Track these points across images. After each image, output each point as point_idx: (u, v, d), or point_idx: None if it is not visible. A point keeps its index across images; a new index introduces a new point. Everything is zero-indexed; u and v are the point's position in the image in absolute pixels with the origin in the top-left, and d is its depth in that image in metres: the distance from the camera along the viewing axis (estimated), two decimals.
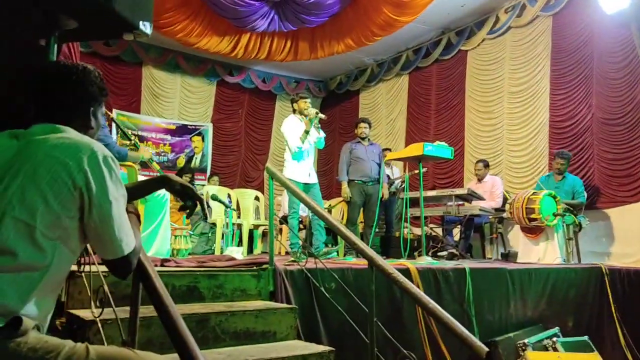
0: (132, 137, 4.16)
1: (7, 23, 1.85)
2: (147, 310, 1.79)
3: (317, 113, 5.26)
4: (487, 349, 1.90)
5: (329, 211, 7.61)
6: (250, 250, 6.59)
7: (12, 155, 1.33)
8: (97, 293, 2.11)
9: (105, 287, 2.03)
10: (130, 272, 1.47)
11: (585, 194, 5.74)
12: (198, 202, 1.73)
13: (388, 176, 7.33)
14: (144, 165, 4.18)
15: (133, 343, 1.72)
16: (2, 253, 1.22)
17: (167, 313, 1.53)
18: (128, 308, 1.82)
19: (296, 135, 5.05)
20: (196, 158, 9.40)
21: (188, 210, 1.76)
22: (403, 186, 7.73)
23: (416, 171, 5.81)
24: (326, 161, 9.96)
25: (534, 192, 5.28)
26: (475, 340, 1.95)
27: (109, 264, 1.41)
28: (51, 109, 1.43)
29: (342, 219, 7.22)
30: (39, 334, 1.25)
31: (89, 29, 2.01)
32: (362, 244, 2.63)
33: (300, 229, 6.27)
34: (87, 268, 2.03)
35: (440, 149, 4.78)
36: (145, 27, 1.97)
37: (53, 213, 1.27)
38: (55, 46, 1.92)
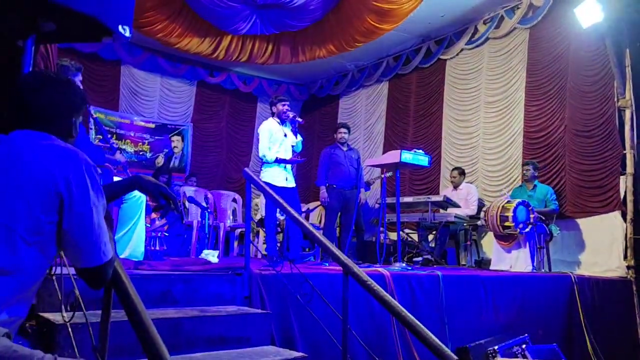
0: (111, 140, 4.14)
1: None
2: (118, 315, 1.78)
3: (294, 116, 5.28)
4: (456, 358, 1.94)
5: (306, 216, 7.63)
6: (226, 252, 6.57)
7: None
8: (68, 297, 2.10)
9: (77, 291, 2.01)
10: (106, 282, 1.47)
11: (557, 202, 5.87)
12: (172, 201, 1.74)
13: (367, 182, 7.39)
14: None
15: (103, 350, 1.71)
16: None
17: (138, 319, 1.53)
18: (99, 312, 1.81)
19: (265, 146, 5.06)
20: (175, 158, 9.31)
21: (163, 210, 1.77)
22: (376, 181, 7.81)
23: (389, 173, 5.88)
24: (304, 164, 9.98)
25: (508, 201, 5.38)
26: (445, 349, 1.99)
27: (84, 273, 1.41)
28: (35, 117, 1.43)
29: (320, 223, 7.25)
30: (8, 342, 1.24)
31: (67, 32, 2.00)
32: (336, 250, 2.65)
33: (277, 232, 6.26)
34: (58, 270, 2.01)
35: (417, 157, 4.84)
36: (125, 30, 1.97)
37: (34, 218, 1.27)
38: (32, 48, 1.91)
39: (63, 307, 2.04)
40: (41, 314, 2.25)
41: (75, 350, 1.87)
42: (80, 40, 2.10)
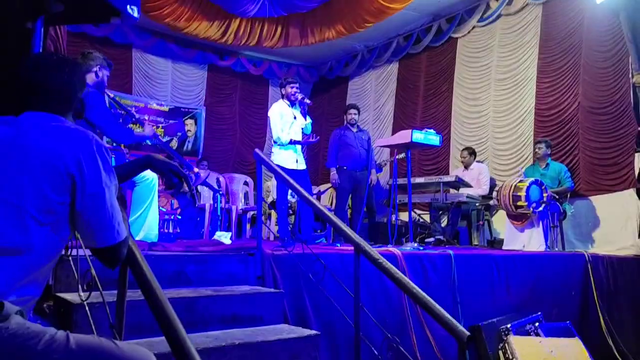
0: (136, 115, 4.16)
1: None
2: (136, 294, 1.81)
3: (303, 98, 5.26)
4: (468, 334, 1.95)
5: (318, 197, 7.65)
6: (239, 235, 6.61)
7: (5, 141, 1.33)
8: (84, 277, 2.13)
9: (93, 271, 2.04)
10: (121, 261, 1.49)
11: (571, 180, 5.81)
12: (184, 180, 1.75)
13: (379, 165, 7.37)
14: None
15: (120, 327, 1.74)
16: None
17: (155, 297, 1.55)
18: (115, 292, 1.84)
19: (279, 127, 5.04)
20: (189, 141, 9.35)
21: (174, 189, 1.78)
22: (387, 163, 7.79)
23: (401, 155, 5.84)
24: (314, 146, 9.96)
25: (520, 180, 5.34)
26: (457, 325, 2.00)
27: (99, 253, 1.43)
28: (44, 97, 1.43)
29: (332, 205, 7.25)
30: (22, 320, 1.25)
31: (76, 13, 2.00)
32: (348, 230, 2.66)
33: (289, 214, 6.29)
34: (74, 252, 2.04)
35: (428, 136, 4.80)
36: (133, 10, 1.97)
37: (46, 199, 1.28)
38: (42, 29, 1.91)
39: (80, 287, 2.08)
40: (58, 294, 2.29)
41: (93, 328, 1.90)
42: (89, 21, 2.11)
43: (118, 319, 1.75)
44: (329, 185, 6.69)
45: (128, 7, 1.90)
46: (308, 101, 5.21)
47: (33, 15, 1.90)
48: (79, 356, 1.26)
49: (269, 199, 7.56)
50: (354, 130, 6.06)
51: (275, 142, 5.13)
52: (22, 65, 1.51)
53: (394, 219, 6.04)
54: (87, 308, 1.99)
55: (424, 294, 2.17)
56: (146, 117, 8.86)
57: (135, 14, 1.93)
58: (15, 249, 1.25)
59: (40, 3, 1.84)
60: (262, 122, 10.00)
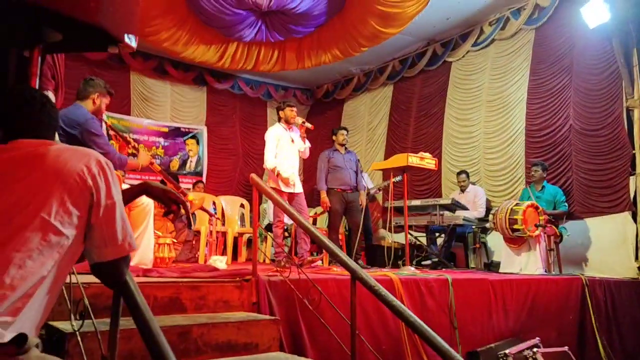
0: (132, 142, 4.17)
1: None
2: (128, 322, 1.78)
3: (303, 122, 5.29)
4: None
5: (314, 220, 7.62)
6: (234, 257, 6.57)
7: (11, 163, 1.34)
8: (77, 305, 2.10)
9: (86, 300, 2.02)
10: (122, 279, 1.49)
11: (567, 204, 5.84)
12: (182, 206, 1.75)
13: (372, 192, 7.38)
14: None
15: (112, 358, 1.71)
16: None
17: (148, 330, 1.53)
18: (108, 320, 1.82)
19: (272, 153, 5.06)
20: (190, 161, 9.34)
21: (172, 215, 1.78)
22: (377, 193, 7.80)
23: (395, 179, 5.85)
24: (309, 169, 9.98)
25: (516, 203, 5.35)
26: (456, 355, 1.97)
27: (102, 268, 1.43)
28: (37, 126, 1.47)
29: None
30: (39, 353, 1.24)
31: (74, 42, 2.01)
32: (344, 256, 2.64)
33: (284, 237, 6.26)
34: (67, 279, 2.02)
35: (424, 160, 4.83)
36: (131, 40, 1.98)
37: (66, 211, 1.29)
38: (39, 58, 1.92)
39: (72, 315, 2.05)
40: (50, 322, 2.26)
41: (85, 358, 1.88)
42: (86, 50, 2.12)
43: (111, 350, 1.72)
44: None
45: (126, 36, 1.92)
46: (309, 125, 5.22)
47: (31, 44, 1.91)
48: None
49: (265, 222, 7.53)
50: (342, 151, 6.07)
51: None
52: (2, 98, 1.54)
53: (390, 241, 6.03)
54: (79, 338, 1.97)
55: (420, 322, 2.15)
56: (146, 138, 8.87)
57: (133, 44, 1.95)
58: (33, 270, 1.24)
59: (38, 33, 1.86)
60: (262, 142, 10.00)
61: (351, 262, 2.54)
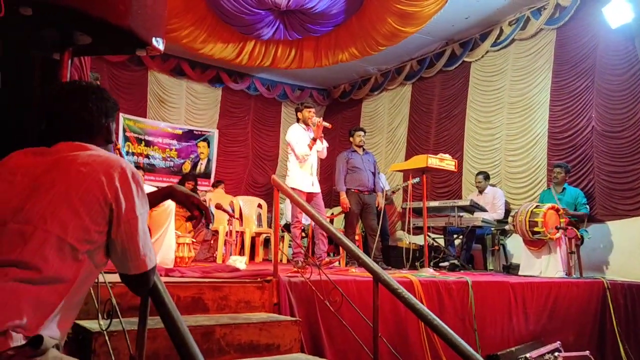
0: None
1: (23, 39, 1.88)
2: (152, 322, 1.80)
3: (320, 121, 5.28)
4: None
5: (331, 220, 7.62)
6: (252, 257, 6.60)
7: (40, 171, 1.34)
8: (104, 304, 2.13)
9: (113, 300, 2.04)
10: (149, 287, 1.49)
11: (588, 206, 5.76)
12: (204, 212, 1.75)
13: (390, 191, 7.36)
14: None
15: (141, 358, 1.73)
16: (27, 266, 1.22)
17: (176, 329, 1.55)
18: (134, 319, 1.84)
19: (303, 143, 5.06)
20: (201, 163, 9.42)
21: (195, 220, 1.78)
22: (393, 196, 7.78)
23: (415, 180, 5.81)
24: (327, 170, 9.98)
25: (537, 205, 5.29)
26: (479, 358, 1.96)
27: (129, 279, 1.44)
28: (69, 127, 1.45)
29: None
30: (58, 354, 1.26)
31: (103, 44, 2.03)
32: (366, 258, 2.64)
33: (302, 237, 6.27)
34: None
35: (444, 162, 4.80)
36: (158, 43, 2.00)
37: (84, 228, 1.29)
38: (69, 61, 1.95)
39: (100, 315, 2.08)
40: (77, 321, 2.29)
41: (112, 357, 1.90)
42: (114, 52, 2.14)
43: (139, 349, 1.74)
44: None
45: (154, 39, 1.93)
46: (328, 124, 5.22)
47: (61, 47, 1.94)
48: None
49: (282, 222, 7.55)
50: (361, 152, 6.06)
51: (291, 165, 5.15)
52: (44, 96, 1.53)
53: (407, 242, 6.01)
54: (107, 337, 1.99)
55: (445, 326, 2.14)
56: (160, 140, 8.97)
57: (161, 47, 1.96)
58: (54, 278, 1.25)
59: (68, 36, 1.88)
60: (274, 144, 10.08)
61: (373, 264, 2.54)
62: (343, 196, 5.86)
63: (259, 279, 3.09)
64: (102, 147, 1.48)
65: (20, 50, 2.00)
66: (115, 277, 2.41)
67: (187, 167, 9.17)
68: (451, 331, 2.16)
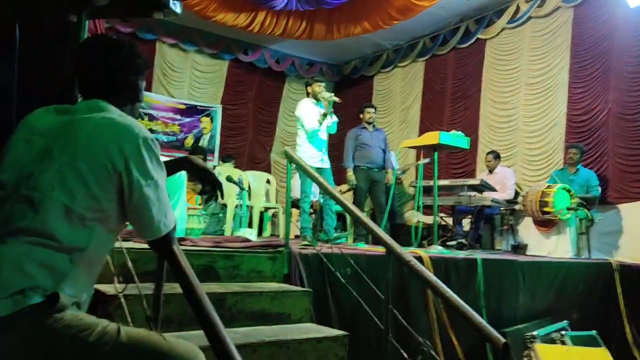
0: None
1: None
2: (166, 287, 1.81)
3: (331, 96, 5.24)
4: (504, 340, 1.92)
5: None
6: (260, 232, 6.63)
7: (55, 134, 1.33)
8: (120, 268, 2.15)
9: (129, 264, 2.06)
10: (171, 247, 1.49)
11: (600, 188, 5.71)
12: (217, 187, 1.73)
13: (402, 170, 7.32)
14: None
15: (157, 320, 1.75)
16: (39, 234, 1.23)
17: (193, 291, 1.55)
18: (149, 284, 1.85)
19: (313, 117, 5.03)
20: (204, 139, 9.40)
21: (207, 195, 1.78)
22: (402, 176, 7.74)
23: (426, 160, 5.77)
24: (336, 146, 9.93)
25: (548, 186, 5.26)
26: (493, 331, 1.97)
27: (149, 242, 1.44)
28: (101, 81, 1.42)
29: None
30: (76, 312, 1.27)
31: (119, 7, 2.01)
32: (379, 231, 2.64)
33: (310, 213, 6.27)
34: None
35: (456, 138, 4.76)
36: (176, 5, 1.97)
37: (92, 196, 1.28)
38: (86, 22, 1.93)
39: (115, 279, 2.10)
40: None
41: (129, 320, 1.92)
42: (131, 15, 2.12)
43: (155, 312, 1.76)
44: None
45: (171, 1, 1.91)
46: (337, 99, 5.17)
47: (78, 8, 1.91)
48: (129, 348, 1.27)
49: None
50: (370, 129, 6.02)
51: (300, 140, 5.13)
52: (76, 48, 1.51)
53: (417, 220, 6.00)
54: (122, 300, 2.01)
55: (457, 297, 2.14)
56: (163, 114, 8.95)
57: (178, 9, 1.94)
58: (65, 246, 1.25)
59: None
60: (272, 120, 10.05)
61: (387, 237, 2.55)
62: (350, 173, 5.85)
63: (270, 250, 3.11)
64: (129, 106, 1.47)
65: (36, 12, 1.98)
66: (129, 244, 2.43)
67: (189, 142, 9.16)
68: (465, 304, 2.16)
